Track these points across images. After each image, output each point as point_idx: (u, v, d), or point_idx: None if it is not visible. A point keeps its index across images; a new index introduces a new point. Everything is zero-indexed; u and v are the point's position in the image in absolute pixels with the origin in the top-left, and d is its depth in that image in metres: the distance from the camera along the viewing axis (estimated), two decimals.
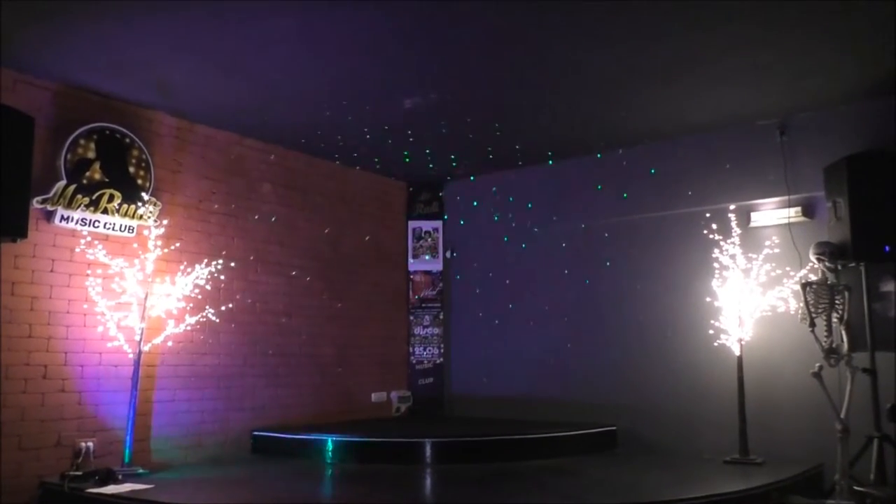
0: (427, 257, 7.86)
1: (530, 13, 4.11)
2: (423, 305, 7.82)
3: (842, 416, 4.49)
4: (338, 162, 7.11)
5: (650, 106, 5.66)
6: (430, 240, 7.88)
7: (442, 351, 7.75)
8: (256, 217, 6.33)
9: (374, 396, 7.28)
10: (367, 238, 7.41)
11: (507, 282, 7.37)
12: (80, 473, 4.58)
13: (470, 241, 7.72)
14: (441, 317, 7.80)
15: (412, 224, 7.92)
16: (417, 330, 7.78)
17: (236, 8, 4.01)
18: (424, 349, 7.74)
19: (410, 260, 7.87)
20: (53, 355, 4.87)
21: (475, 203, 7.67)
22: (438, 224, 7.90)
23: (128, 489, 4.38)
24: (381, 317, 7.49)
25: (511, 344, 7.22)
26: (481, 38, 4.48)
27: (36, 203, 4.77)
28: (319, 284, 6.86)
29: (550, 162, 7.10)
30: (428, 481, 5.07)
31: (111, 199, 5.17)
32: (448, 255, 7.83)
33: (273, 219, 6.44)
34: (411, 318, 7.80)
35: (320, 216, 6.95)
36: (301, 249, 6.73)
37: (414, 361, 7.73)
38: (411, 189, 7.96)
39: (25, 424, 4.67)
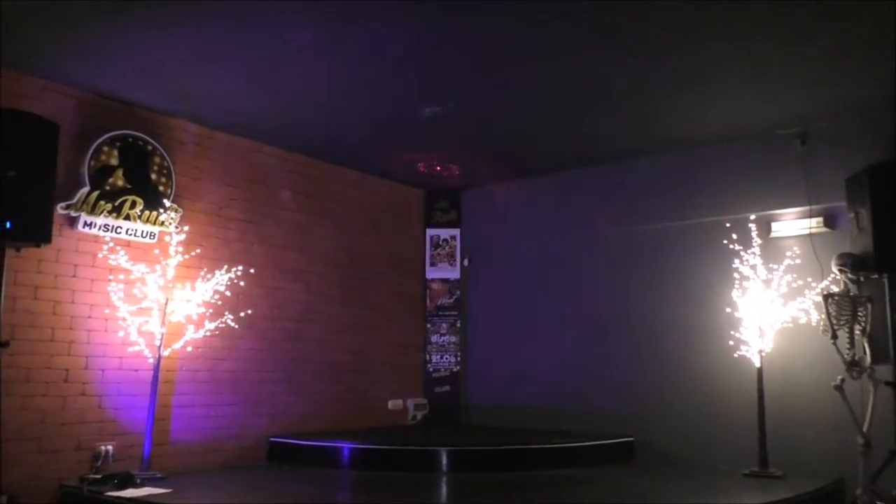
0: (445, 265, 7.86)
1: (549, 24, 4.11)
2: (440, 313, 7.82)
3: (864, 429, 4.42)
4: (356, 170, 7.15)
5: (671, 115, 5.64)
6: (447, 248, 7.89)
7: (458, 359, 7.74)
8: (275, 223, 6.38)
9: (390, 404, 7.28)
10: (384, 246, 7.44)
11: (525, 290, 7.36)
12: (99, 477, 4.62)
13: (488, 249, 7.72)
14: (458, 325, 7.80)
15: (430, 232, 7.93)
16: (434, 338, 7.78)
17: (258, 17, 4.06)
18: (441, 357, 7.74)
19: (428, 267, 7.88)
20: (75, 359, 4.93)
21: (493, 211, 7.68)
22: (456, 232, 7.91)
23: (146, 493, 4.42)
24: (397, 324, 7.51)
25: (528, 353, 7.19)
26: (500, 48, 4.49)
27: (60, 209, 4.84)
28: (337, 291, 6.89)
29: (569, 171, 7.09)
30: (444, 489, 5.07)
31: (133, 205, 5.23)
32: (465, 262, 7.84)
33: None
34: (428, 325, 7.81)
35: (339, 224, 6.99)
36: (319, 256, 6.76)
37: (430, 369, 7.72)
38: (429, 197, 7.98)
39: (46, 427, 4.72)
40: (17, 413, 4.55)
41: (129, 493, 4.41)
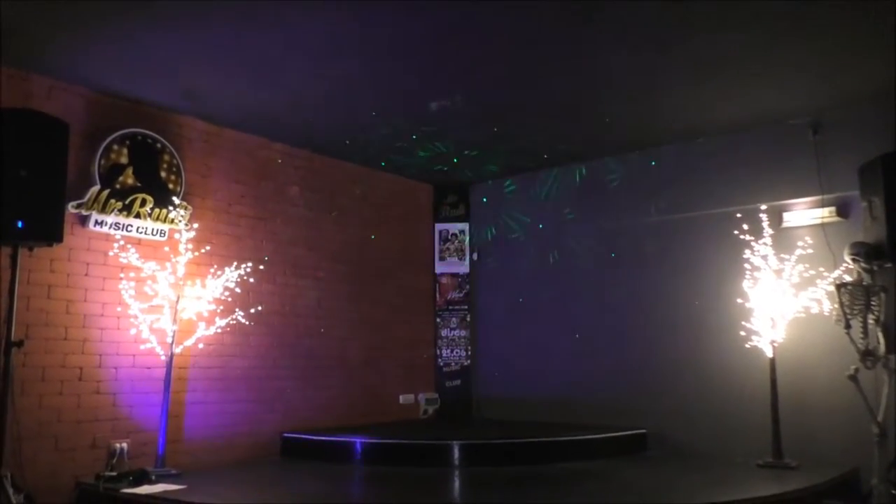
0: (454, 259, 7.86)
1: (557, 16, 4.09)
2: (450, 308, 7.82)
3: (879, 418, 4.41)
4: (364, 165, 7.15)
5: (681, 105, 5.61)
6: (456, 242, 7.89)
7: (469, 353, 7.74)
8: (282, 220, 6.40)
9: (401, 398, 7.30)
10: (393, 241, 7.44)
11: (535, 284, 7.35)
12: (114, 474, 4.65)
13: (497, 243, 7.71)
14: (468, 319, 7.80)
15: (439, 226, 7.93)
16: (444, 332, 7.78)
17: (264, 13, 4.06)
18: (452, 351, 7.74)
19: (437, 262, 7.88)
20: (88, 357, 4.95)
21: (502, 205, 7.67)
22: (465, 226, 7.90)
23: (161, 489, 4.43)
24: (408, 319, 7.51)
25: (539, 346, 7.19)
26: (507, 41, 4.48)
27: (71, 208, 4.85)
28: (347, 287, 6.90)
29: (578, 163, 7.07)
30: (456, 484, 5.07)
31: (143, 203, 5.25)
32: (474, 257, 7.83)
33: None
34: (438, 320, 7.81)
35: (347, 219, 6.99)
36: (329, 252, 6.77)
37: (441, 364, 7.73)
38: (438, 191, 7.97)
39: (62, 426, 4.75)
40: (33, 412, 4.59)
41: (145, 489, 4.43)
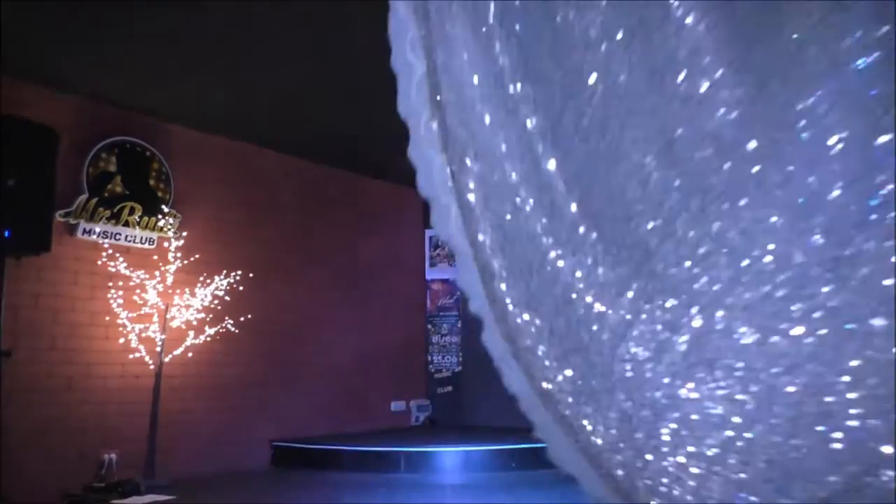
0: (444, 266, 7.86)
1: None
2: (441, 314, 7.81)
3: None
4: (354, 172, 7.14)
5: None
6: (447, 248, 7.88)
7: (460, 359, 7.73)
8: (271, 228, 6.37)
9: (392, 405, 7.27)
10: (383, 247, 7.43)
11: None
12: (103, 485, 4.62)
13: None
14: (459, 325, 7.79)
15: (429, 233, 7.92)
16: (435, 338, 7.77)
17: (255, 21, 4.06)
18: (443, 357, 7.73)
19: (428, 268, 7.87)
20: (77, 367, 4.91)
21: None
22: None
23: (150, 500, 4.41)
24: (399, 325, 7.50)
25: None
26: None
27: (59, 216, 4.81)
28: (337, 294, 6.87)
29: None
30: (448, 491, 5.06)
31: (132, 211, 5.22)
32: None
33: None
34: (429, 326, 7.80)
35: (338, 226, 6.98)
36: (319, 259, 6.75)
37: (432, 370, 7.71)
38: None
39: (50, 436, 4.71)
40: (21, 422, 4.53)
41: (134, 500, 4.40)
